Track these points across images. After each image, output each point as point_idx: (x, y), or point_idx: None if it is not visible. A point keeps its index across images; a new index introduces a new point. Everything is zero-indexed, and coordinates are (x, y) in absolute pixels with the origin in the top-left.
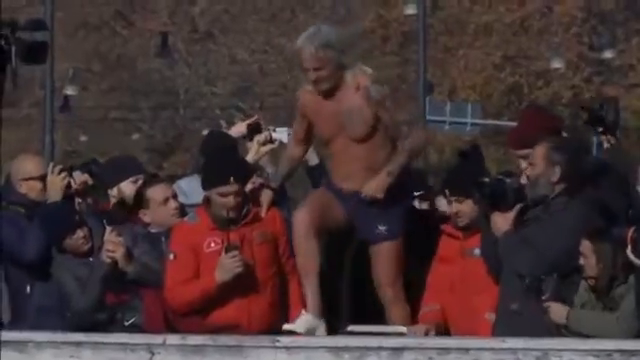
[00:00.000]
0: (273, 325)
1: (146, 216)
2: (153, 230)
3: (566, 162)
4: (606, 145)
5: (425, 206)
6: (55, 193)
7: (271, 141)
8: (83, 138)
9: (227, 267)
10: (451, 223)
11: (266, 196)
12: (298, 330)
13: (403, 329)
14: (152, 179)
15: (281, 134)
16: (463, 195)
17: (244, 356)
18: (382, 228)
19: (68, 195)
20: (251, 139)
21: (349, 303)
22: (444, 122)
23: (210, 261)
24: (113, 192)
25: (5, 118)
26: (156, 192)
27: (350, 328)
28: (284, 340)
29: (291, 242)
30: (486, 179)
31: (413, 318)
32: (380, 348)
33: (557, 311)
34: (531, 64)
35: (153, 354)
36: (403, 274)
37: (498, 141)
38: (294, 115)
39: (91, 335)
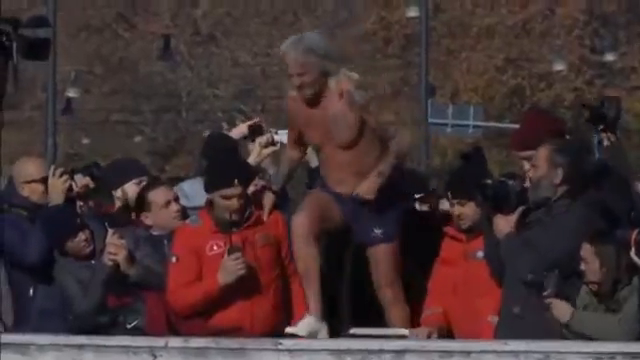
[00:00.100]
0: (276, 327)
1: (148, 219)
2: (155, 233)
3: (569, 164)
4: (606, 143)
5: (426, 208)
6: (56, 196)
7: (273, 143)
8: (85, 141)
9: (230, 269)
10: (454, 225)
11: (268, 199)
12: (300, 333)
13: (405, 332)
14: (153, 182)
15: (283, 136)
16: (465, 198)
17: (246, 359)
18: (378, 231)
19: (70, 198)
20: (253, 140)
21: (349, 305)
22: (446, 125)
23: (213, 264)
24: (118, 194)
25: (7, 120)
26: (157, 195)
27: (352, 331)
28: (286, 343)
29: None
30: (489, 181)
31: (413, 319)
32: (382, 351)
33: (560, 308)
34: (533, 67)
35: (155, 357)
36: (403, 275)
37: (500, 143)
38: None
39: (93, 338)
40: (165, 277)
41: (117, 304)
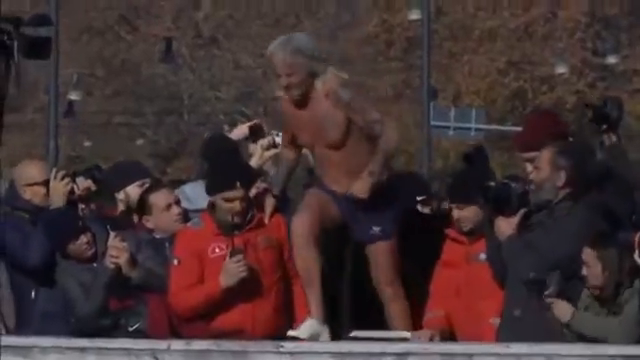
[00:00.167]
0: (278, 330)
1: (149, 222)
2: (157, 235)
3: (571, 167)
4: (607, 142)
5: (427, 210)
6: (58, 199)
7: (274, 146)
8: (87, 143)
9: (232, 272)
10: (456, 228)
11: (269, 202)
12: (302, 336)
13: (407, 334)
14: (155, 185)
15: None
16: (464, 202)
17: None
18: (376, 229)
19: (71, 201)
20: (254, 141)
21: (350, 305)
22: (448, 127)
23: (215, 266)
24: (120, 196)
25: (9, 123)
26: (159, 198)
27: (354, 334)
28: (288, 345)
29: None
30: (491, 184)
31: (415, 321)
32: (384, 354)
33: (561, 308)
34: (535, 69)
35: (157, 359)
36: (405, 278)
37: (502, 146)
38: None
39: (95, 340)
40: (167, 280)
41: (119, 307)
